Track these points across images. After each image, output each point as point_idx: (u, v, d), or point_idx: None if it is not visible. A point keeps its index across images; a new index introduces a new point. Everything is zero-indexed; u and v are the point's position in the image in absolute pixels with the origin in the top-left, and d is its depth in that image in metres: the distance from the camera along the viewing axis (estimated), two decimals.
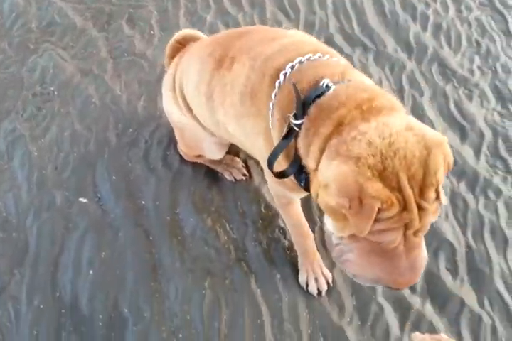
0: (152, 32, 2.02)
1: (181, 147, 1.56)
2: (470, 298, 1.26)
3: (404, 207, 0.69)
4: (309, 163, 0.81)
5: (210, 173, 1.58)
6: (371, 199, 0.67)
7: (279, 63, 0.92)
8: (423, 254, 0.77)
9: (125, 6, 2.10)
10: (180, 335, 1.27)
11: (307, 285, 1.30)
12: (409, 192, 0.67)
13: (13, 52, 1.96)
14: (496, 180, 1.48)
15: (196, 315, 1.30)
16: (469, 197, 1.45)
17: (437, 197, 0.71)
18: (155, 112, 1.77)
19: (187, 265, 1.40)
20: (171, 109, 1.41)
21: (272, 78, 0.91)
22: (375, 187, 0.66)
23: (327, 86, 0.81)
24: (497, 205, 1.44)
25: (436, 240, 1.37)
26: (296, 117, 0.82)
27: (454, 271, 1.31)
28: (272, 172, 0.87)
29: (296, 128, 0.82)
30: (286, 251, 1.39)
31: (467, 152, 1.55)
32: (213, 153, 1.47)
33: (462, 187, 1.47)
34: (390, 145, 0.68)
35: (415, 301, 1.26)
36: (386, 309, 1.26)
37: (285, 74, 0.89)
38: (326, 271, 1.31)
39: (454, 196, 1.46)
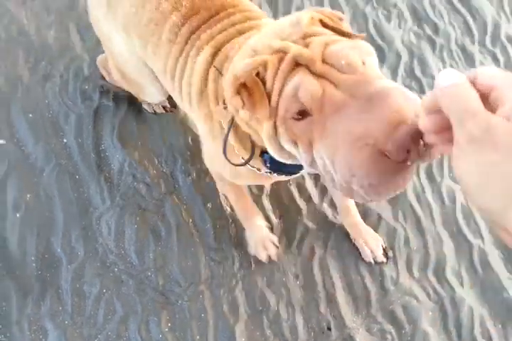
0: None
1: (112, 71, 1.33)
2: (386, 212, 1.35)
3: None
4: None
5: (133, 106, 1.52)
6: (246, 78, 0.62)
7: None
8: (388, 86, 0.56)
9: None
10: (116, 269, 1.30)
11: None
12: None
13: None
14: None
15: (131, 250, 1.33)
16: None
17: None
18: (68, 43, 1.64)
19: (117, 201, 1.39)
20: (108, 27, 1.11)
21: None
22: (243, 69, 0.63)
23: None
24: None
25: None
26: None
27: None
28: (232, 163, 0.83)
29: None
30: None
31: (385, 73, 1.56)
32: (153, 97, 1.35)
33: None
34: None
35: (337, 220, 1.34)
36: (311, 229, 1.33)
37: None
38: (271, 236, 1.30)
39: None
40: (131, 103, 1.52)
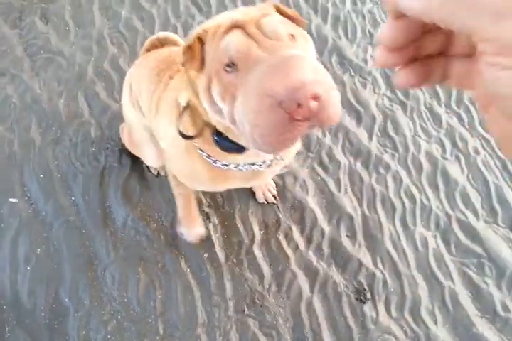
0: (67, 28, 2.05)
1: (126, 141, 1.59)
2: (366, 258, 1.49)
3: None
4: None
5: (135, 167, 1.69)
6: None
7: None
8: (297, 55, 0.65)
9: (36, 1, 2.10)
10: (119, 317, 1.41)
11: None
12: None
13: None
14: (386, 157, 1.72)
15: (133, 298, 1.44)
16: (364, 173, 1.68)
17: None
18: (77, 110, 1.83)
19: (121, 253, 1.52)
20: (125, 102, 1.40)
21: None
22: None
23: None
24: (386, 179, 1.68)
25: (337, 213, 1.59)
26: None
27: (353, 237, 1.54)
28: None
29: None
30: (211, 233, 1.56)
31: (362, 134, 1.77)
32: (152, 160, 1.54)
33: (358, 165, 1.70)
34: None
35: (322, 266, 1.48)
36: (298, 275, 1.47)
37: None
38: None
39: (351, 174, 1.68)
40: (134, 164, 1.69)
